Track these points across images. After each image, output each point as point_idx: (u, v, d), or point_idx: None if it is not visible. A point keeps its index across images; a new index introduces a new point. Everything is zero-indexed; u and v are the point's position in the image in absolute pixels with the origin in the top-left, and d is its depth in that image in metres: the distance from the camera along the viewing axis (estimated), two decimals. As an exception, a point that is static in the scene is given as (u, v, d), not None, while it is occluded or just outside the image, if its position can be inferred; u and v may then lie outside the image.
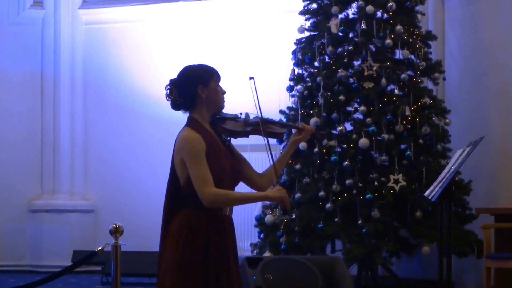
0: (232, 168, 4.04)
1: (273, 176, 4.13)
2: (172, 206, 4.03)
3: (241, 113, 4.13)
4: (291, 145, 4.23)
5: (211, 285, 3.97)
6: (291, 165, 8.38)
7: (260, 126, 4.07)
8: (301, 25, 8.73)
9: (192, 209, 3.98)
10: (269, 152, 4.04)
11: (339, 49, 8.50)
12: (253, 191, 4.18)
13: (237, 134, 4.09)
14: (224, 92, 4.14)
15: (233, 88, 10.20)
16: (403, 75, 8.27)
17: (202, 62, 4.20)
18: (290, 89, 8.70)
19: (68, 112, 11.03)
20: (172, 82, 4.12)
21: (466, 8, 9.14)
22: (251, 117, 4.13)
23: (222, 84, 4.15)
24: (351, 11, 8.57)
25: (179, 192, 4.01)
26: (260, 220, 8.50)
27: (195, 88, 4.07)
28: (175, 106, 4.11)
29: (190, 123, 4.06)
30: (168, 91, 4.11)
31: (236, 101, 10.74)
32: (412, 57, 8.45)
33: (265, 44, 10.28)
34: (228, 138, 4.11)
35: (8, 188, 10.90)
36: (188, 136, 3.98)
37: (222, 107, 4.13)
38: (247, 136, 4.11)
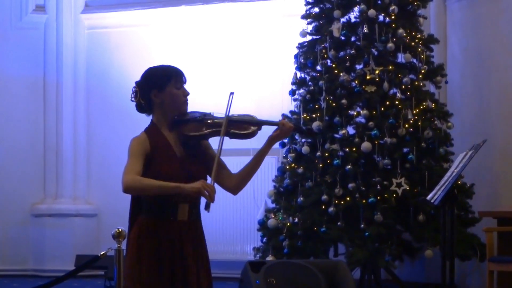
0: (184, 172, 3.93)
1: (213, 171, 3.96)
2: (132, 213, 4.03)
3: (204, 113, 4.04)
4: (268, 143, 4.07)
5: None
6: (293, 169, 8.39)
7: (223, 126, 3.96)
8: (303, 29, 8.74)
9: (145, 217, 3.97)
10: (219, 155, 3.96)
11: (341, 53, 8.50)
12: None
13: (191, 139, 4.01)
14: (186, 95, 4.04)
15: (235, 92, 10.26)
16: (405, 79, 8.28)
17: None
18: (292, 93, 8.70)
19: (71, 116, 11.03)
20: (137, 84, 4.09)
21: (468, 12, 9.14)
22: (216, 116, 4.03)
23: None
24: (353, 15, 8.57)
25: (137, 199, 4.01)
26: (262, 224, 8.51)
27: (149, 92, 4.02)
28: (139, 108, 4.09)
29: (147, 126, 4.06)
30: (133, 93, 4.08)
31: (238, 105, 10.74)
32: (414, 60, 8.46)
33: (267, 48, 10.29)
34: (187, 141, 4.02)
35: (10, 192, 10.91)
36: (133, 139, 4.00)
37: (182, 110, 4.04)
38: (206, 139, 4.01)
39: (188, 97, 4.08)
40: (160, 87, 4.01)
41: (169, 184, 3.87)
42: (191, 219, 4.00)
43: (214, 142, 4.10)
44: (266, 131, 4.13)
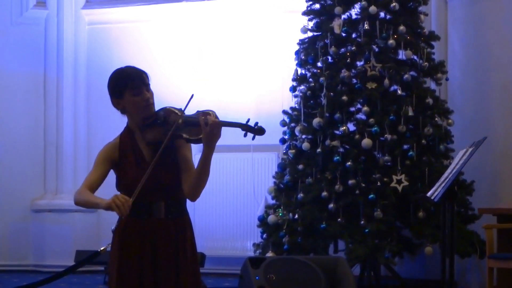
0: (151, 177, 3.83)
1: (149, 168, 3.82)
2: None
3: (165, 116, 3.90)
4: (204, 146, 3.83)
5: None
6: (294, 165, 8.39)
7: (171, 131, 3.82)
8: (304, 26, 8.73)
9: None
10: (157, 158, 3.81)
11: (342, 50, 8.50)
12: None
13: (154, 144, 3.91)
14: (147, 99, 3.93)
15: (235, 88, 10.28)
16: (406, 76, 8.27)
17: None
18: (293, 89, 8.70)
19: (71, 112, 11.03)
20: None
21: (469, 8, 9.14)
22: (170, 119, 3.89)
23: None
24: (354, 12, 8.57)
25: None
26: (263, 220, 8.51)
27: (112, 100, 4.02)
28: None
29: (123, 130, 4.05)
30: None
31: (238, 102, 10.78)
32: (415, 57, 8.45)
33: (268, 45, 10.28)
34: (154, 147, 3.92)
35: (11, 188, 10.90)
36: (104, 146, 4.01)
37: (145, 115, 3.94)
38: (166, 142, 3.83)
39: (152, 98, 3.97)
40: (118, 96, 3.98)
41: (94, 201, 3.84)
42: (168, 217, 3.94)
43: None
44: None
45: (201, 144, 3.86)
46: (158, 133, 3.90)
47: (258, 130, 3.82)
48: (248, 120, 3.84)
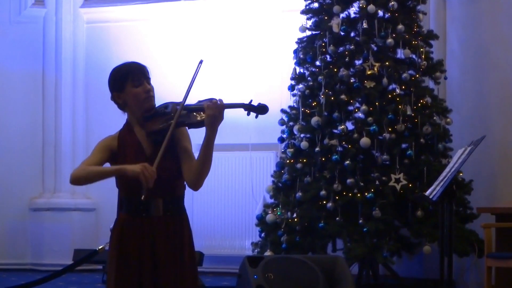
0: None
1: (157, 159, 3.78)
2: (117, 210, 4.05)
3: (166, 105, 3.93)
4: (206, 129, 3.82)
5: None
6: (292, 164, 8.38)
7: (175, 117, 3.81)
8: (302, 24, 8.73)
9: (123, 213, 3.96)
10: (165, 145, 3.80)
11: (341, 48, 8.49)
12: None
13: (155, 134, 3.90)
14: (147, 90, 3.95)
15: (233, 87, 10.27)
16: (404, 75, 8.28)
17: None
18: (291, 88, 8.70)
19: (70, 110, 11.03)
20: None
21: (467, 7, 9.14)
22: (170, 108, 3.91)
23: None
24: (353, 10, 8.57)
25: (119, 196, 4.03)
26: (261, 219, 8.51)
27: (111, 95, 4.02)
28: (118, 108, 4.08)
29: (123, 125, 4.05)
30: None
31: (236, 100, 10.74)
32: (414, 56, 8.45)
33: (266, 43, 10.28)
34: (154, 138, 3.91)
35: (9, 186, 10.90)
36: (104, 138, 4.00)
37: (148, 107, 3.95)
38: (167, 132, 3.81)
39: (155, 91, 3.99)
40: (119, 89, 3.98)
41: (112, 167, 3.84)
42: (167, 214, 3.93)
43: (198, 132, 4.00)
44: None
45: (201, 143, 3.86)
46: (160, 123, 3.90)
47: (260, 108, 3.85)
48: (251, 101, 3.86)
